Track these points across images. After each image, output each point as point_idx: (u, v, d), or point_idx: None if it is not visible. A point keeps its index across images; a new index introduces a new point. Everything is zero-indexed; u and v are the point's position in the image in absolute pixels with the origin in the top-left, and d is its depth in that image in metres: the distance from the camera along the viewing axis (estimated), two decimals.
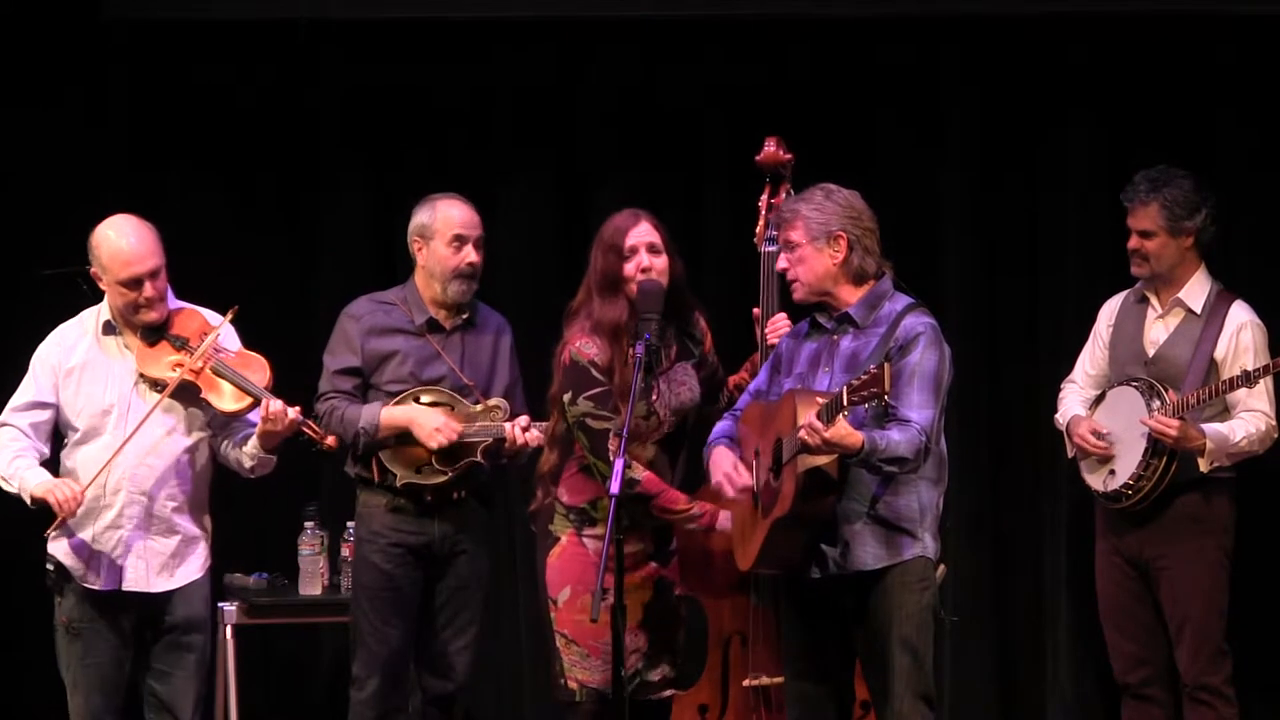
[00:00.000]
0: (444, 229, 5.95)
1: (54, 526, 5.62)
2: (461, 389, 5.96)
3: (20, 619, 6.65)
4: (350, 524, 6.31)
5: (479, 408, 5.93)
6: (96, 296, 5.81)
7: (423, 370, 5.97)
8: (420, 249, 6.00)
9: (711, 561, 5.78)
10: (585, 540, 5.57)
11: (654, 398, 5.57)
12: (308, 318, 7.06)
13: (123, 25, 7.07)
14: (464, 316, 6.02)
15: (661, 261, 5.56)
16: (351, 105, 7.23)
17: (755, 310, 5.86)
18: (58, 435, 5.80)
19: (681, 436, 5.69)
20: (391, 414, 5.90)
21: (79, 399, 5.72)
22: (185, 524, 5.76)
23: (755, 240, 5.92)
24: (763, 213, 5.92)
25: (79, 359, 5.73)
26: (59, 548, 5.72)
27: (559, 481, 5.62)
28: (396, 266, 6.28)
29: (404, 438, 5.90)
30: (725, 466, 5.38)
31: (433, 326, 6.00)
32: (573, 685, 5.57)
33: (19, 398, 5.76)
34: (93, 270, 5.70)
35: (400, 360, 5.97)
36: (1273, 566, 6.90)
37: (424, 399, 5.94)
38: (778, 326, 5.80)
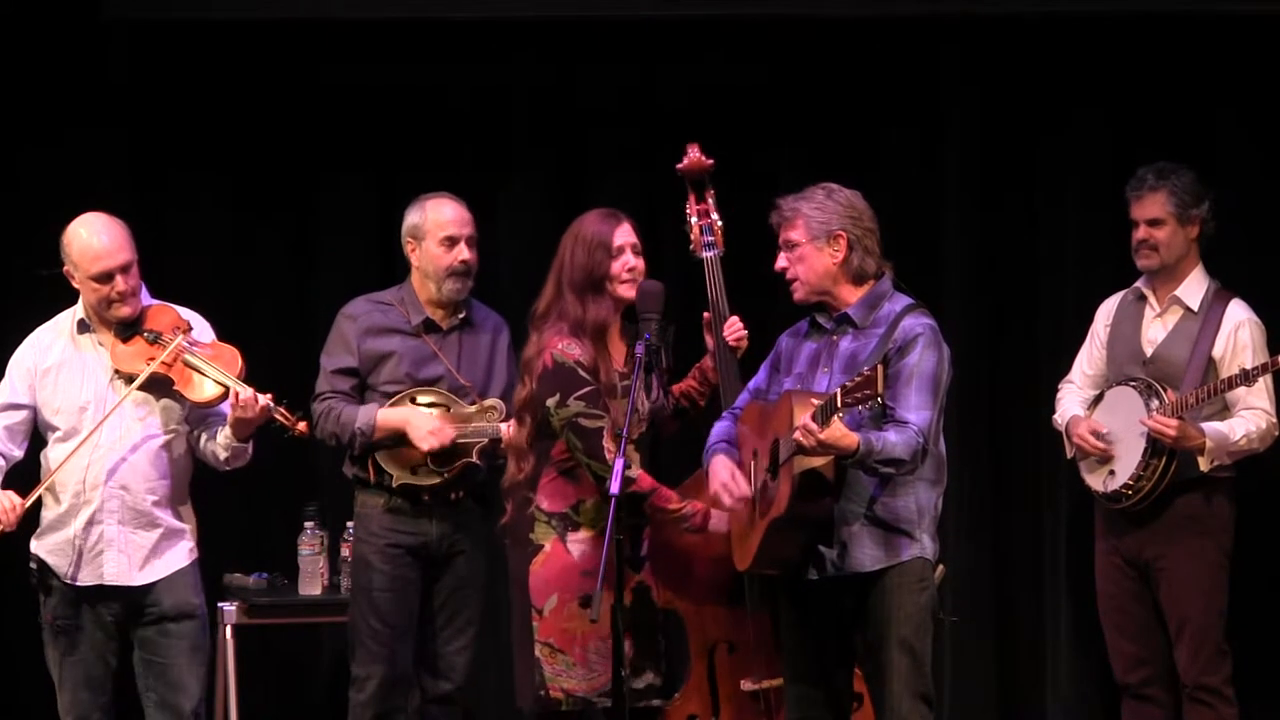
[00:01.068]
0: (434, 229, 5.96)
1: None
2: (458, 389, 5.96)
3: (11, 617, 6.65)
4: (350, 524, 6.31)
5: (475, 408, 5.94)
6: None
7: (419, 371, 5.97)
8: (413, 250, 6.00)
9: (691, 568, 5.73)
10: (570, 546, 5.53)
11: (645, 397, 5.56)
12: (307, 318, 7.06)
13: (123, 25, 7.07)
14: (461, 316, 6.02)
15: (643, 263, 5.55)
16: (351, 105, 7.22)
17: (705, 315, 5.82)
18: (39, 435, 5.80)
19: (654, 437, 5.69)
20: (387, 415, 5.90)
21: (57, 398, 5.74)
22: (166, 517, 5.77)
23: (692, 249, 5.86)
24: (693, 220, 5.87)
25: (55, 359, 5.76)
26: (41, 546, 5.75)
27: (537, 489, 5.56)
28: (396, 267, 6.28)
29: (400, 438, 5.90)
30: (723, 476, 5.36)
31: (429, 327, 6.00)
32: (557, 695, 5.50)
33: None
34: (65, 269, 5.72)
35: (397, 361, 5.97)
36: (1273, 566, 6.89)
37: (420, 399, 5.95)
38: (735, 329, 5.77)
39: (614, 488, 5.11)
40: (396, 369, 5.97)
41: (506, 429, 5.82)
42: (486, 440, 5.88)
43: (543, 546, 5.54)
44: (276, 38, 7.12)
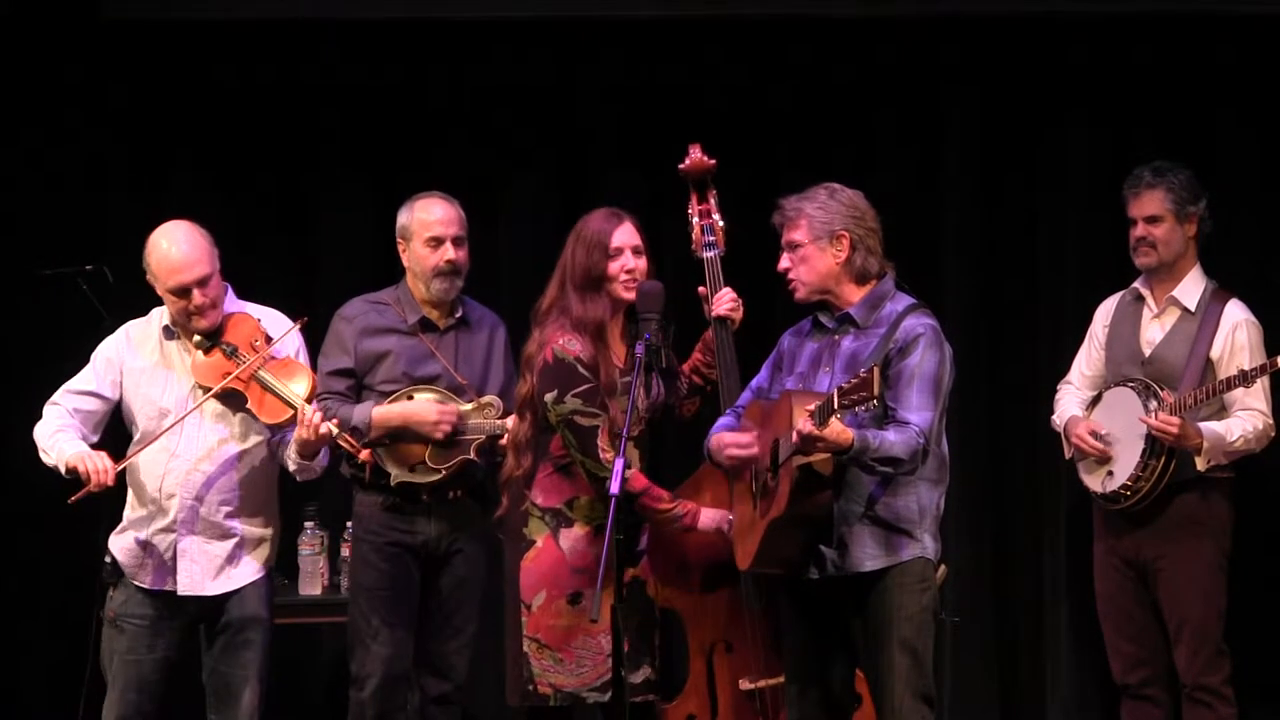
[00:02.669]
0: (420, 230, 5.96)
1: (79, 495, 5.59)
2: (455, 388, 5.96)
3: (31, 620, 6.66)
4: (350, 524, 6.31)
5: (472, 406, 5.94)
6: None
7: (416, 369, 5.97)
8: (404, 250, 6.02)
9: (691, 567, 5.75)
10: (562, 542, 5.54)
11: (645, 396, 5.56)
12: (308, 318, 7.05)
13: (123, 25, 7.08)
14: (457, 315, 6.02)
15: (644, 263, 5.55)
16: (351, 105, 7.23)
17: (701, 289, 5.82)
18: (118, 430, 5.78)
19: (650, 436, 5.69)
20: (385, 412, 5.90)
21: (139, 399, 5.74)
22: (240, 527, 5.76)
23: (693, 248, 5.87)
24: (695, 220, 5.87)
25: (144, 360, 5.76)
26: (117, 544, 5.74)
27: (532, 484, 5.58)
28: (396, 267, 6.28)
29: (398, 436, 5.90)
30: (729, 438, 5.34)
31: (426, 326, 6.00)
32: (545, 690, 5.52)
33: (74, 383, 5.78)
34: (147, 277, 5.70)
35: (393, 360, 5.97)
36: (1272, 566, 6.90)
37: (418, 397, 5.94)
38: (725, 300, 5.74)
39: (614, 488, 5.11)
40: (393, 368, 5.97)
41: (505, 424, 5.83)
42: (485, 437, 5.88)
43: (535, 542, 5.56)
44: (277, 37, 7.13)
